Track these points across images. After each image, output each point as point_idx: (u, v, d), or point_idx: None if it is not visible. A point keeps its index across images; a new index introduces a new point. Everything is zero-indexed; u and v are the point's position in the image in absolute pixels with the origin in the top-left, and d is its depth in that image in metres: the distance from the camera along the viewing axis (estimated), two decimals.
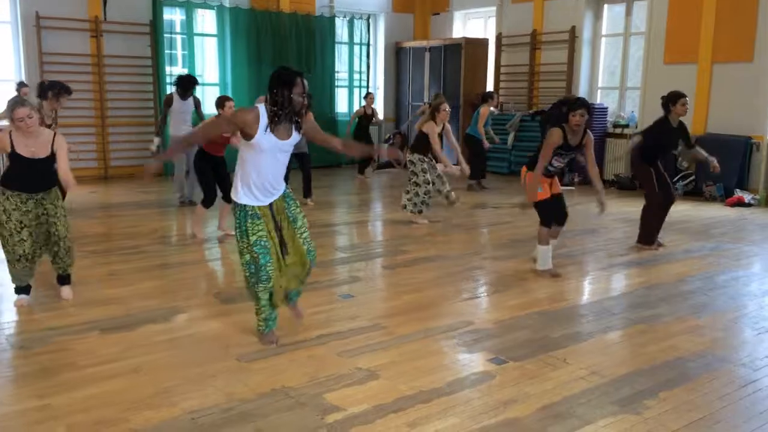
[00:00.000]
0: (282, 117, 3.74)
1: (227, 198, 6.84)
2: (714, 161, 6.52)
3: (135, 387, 3.43)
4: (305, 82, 3.79)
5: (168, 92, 8.87)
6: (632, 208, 8.86)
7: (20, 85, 9.25)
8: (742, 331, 4.41)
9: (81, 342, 4.02)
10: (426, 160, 7.64)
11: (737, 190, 9.41)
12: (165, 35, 11.34)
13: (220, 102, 6.55)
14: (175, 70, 11.46)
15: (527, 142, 11.51)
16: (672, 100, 6.41)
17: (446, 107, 7.59)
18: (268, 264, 3.86)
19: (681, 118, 6.46)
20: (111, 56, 11.00)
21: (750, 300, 5.08)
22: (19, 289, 4.69)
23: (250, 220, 3.84)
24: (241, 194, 3.87)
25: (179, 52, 11.87)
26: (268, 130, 3.73)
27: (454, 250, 6.57)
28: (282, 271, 3.99)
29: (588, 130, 5.49)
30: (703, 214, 8.51)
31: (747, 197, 9.20)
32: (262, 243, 3.84)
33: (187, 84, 8.62)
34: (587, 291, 5.32)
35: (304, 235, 4.03)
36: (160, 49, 11.22)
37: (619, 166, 11.01)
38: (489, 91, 10.95)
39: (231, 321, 4.45)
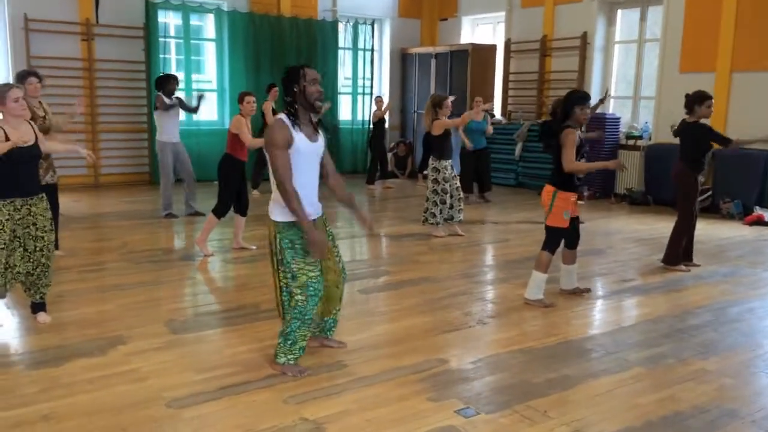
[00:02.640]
0: (302, 112, 3.60)
1: (244, 210, 6.44)
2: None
3: None
4: (315, 71, 3.62)
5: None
6: (644, 225, 8.30)
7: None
8: (756, 378, 3.84)
9: None
10: (449, 168, 7.20)
11: (757, 207, 8.77)
12: (159, 39, 10.97)
13: (240, 98, 6.35)
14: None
15: (536, 153, 10.96)
16: (698, 100, 6.07)
17: (448, 102, 7.19)
18: (321, 282, 3.62)
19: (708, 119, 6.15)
20: (103, 60, 10.66)
21: (765, 338, 4.49)
22: None
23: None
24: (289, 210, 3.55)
25: (173, 56, 11.47)
26: (298, 129, 3.56)
27: (442, 271, 6.05)
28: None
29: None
30: (718, 233, 7.90)
31: (767, 215, 8.56)
32: (316, 262, 3.60)
33: (158, 84, 8.23)
34: (583, 324, 4.74)
35: (339, 254, 3.91)
36: (154, 54, 10.84)
37: (631, 180, 10.41)
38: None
39: (177, 354, 3.99)
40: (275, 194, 3.61)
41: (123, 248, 6.61)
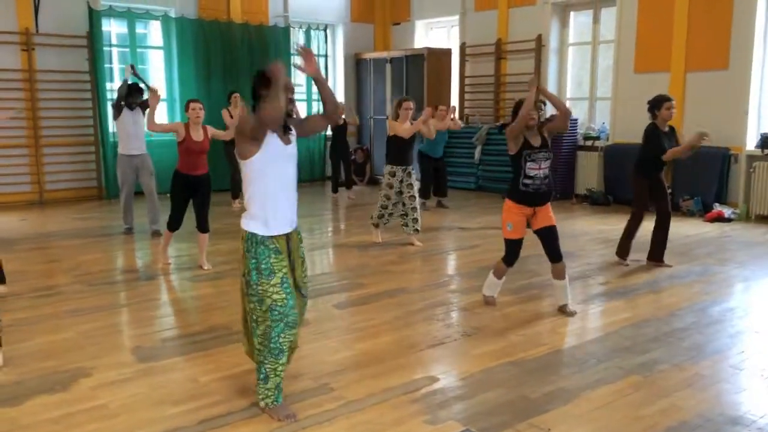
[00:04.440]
0: None
1: (204, 227, 6.12)
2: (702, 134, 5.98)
3: None
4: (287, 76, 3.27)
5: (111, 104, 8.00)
6: (608, 226, 8.31)
7: None
8: (751, 381, 3.77)
9: None
10: (399, 173, 7.04)
11: (716, 204, 8.91)
12: (104, 48, 10.50)
13: (186, 105, 6.16)
14: (116, 86, 10.60)
15: (495, 156, 10.93)
16: (657, 105, 6.11)
17: (409, 105, 7.09)
18: (294, 307, 3.24)
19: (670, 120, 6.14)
20: (45, 71, 10.13)
21: (750, 338, 4.46)
22: None
23: (274, 256, 3.20)
24: (260, 223, 3.24)
25: (116, 65, 10.96)
26: (273, 133, 3.24)
27: (417, 281, 5.88)
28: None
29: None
30: (682, 231, 7.95)
31: (727, 212, 8.70)
32: (288, 281, 3.25)
33: (125, 95, 7.76)
34: (568, 332, 4.62)
35: (305, 276, 3.53)
36: (98, 63, 10.37)
37: (591, 181, 10.46)
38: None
39: (148, 385, 3.69)
40: (246, 206, 3.33)
41: (76, 270, 6.21)
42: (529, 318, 4.84)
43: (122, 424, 3.23)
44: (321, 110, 3.51)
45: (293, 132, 3.42)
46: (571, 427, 3.21)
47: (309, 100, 12.96)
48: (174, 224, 6.21)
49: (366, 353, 4.17)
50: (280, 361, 3.26)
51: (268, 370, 3.26)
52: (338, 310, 5.08)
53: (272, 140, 3.25)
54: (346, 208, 10.25)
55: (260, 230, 3.25)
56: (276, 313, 3.20)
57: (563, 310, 4.93)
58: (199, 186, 6.14)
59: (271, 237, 3.25)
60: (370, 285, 5.71)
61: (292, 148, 3.37)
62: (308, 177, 12.81)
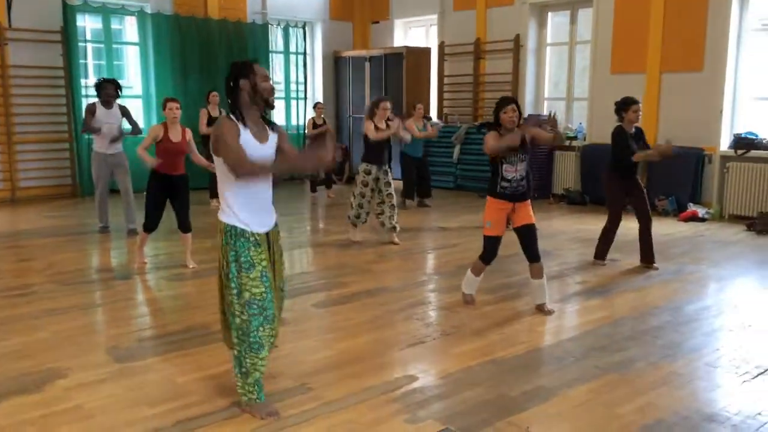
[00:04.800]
0: (251, 111, 3.23)
1: (187, 227, 6.04)
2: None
3: None
4: (263, 68, 3.24)
5: (90, 101, 7.82)
6: (585, 225, 8.39)
7: None
8: (725, 379, 3.82)
9: None
10: (374, 172, 7.04)
11: (690, 204, 9.03)
12: (79, 44, 10.35)
13: (163, 104, 6.09)
14: (91, 82, 10.46)
15: (474, 155, 10.97)
16: (624, 107, 6.11)
17: (386, 105, 7.09)
18: (273, 301, 3.21)
19: (637, 123, 6.17)
20: (18, 66, 9.97)
21: (725, 336, 4.53)
22: None
23: (254, 249, 3.16)
24: (241, 216, 3.19)
25: (90, 61, 10.81)
26: (247, 130, 3.19)
27: (397, 280, 5.88)
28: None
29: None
30: (657, 230, 7.92)
31: (701, 211, 8.82)
32: (267, 275, 3.21)
33: (98, 89, 7.62)
34: (546, 331, 4.66)
35: (283, 272, 3.50)
36: (73, 59, 10.22)
37: (568, 180, 10.55)
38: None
39: (125, 386, 3.64)
40: (222, 201, 3.28)
41: (51, 269, 6.12)
42: (508, 317, 4.87)
43: (98, 425, 3.19)
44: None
45: (274, 131, 3.36)
46: (550, 425, 3.23)
47: (287, 99, 12.87)
48: (151, 225, 6.11)
49: (345, 353, 4.16)
50: (260, 356, 3.22)
51: (248, 365, 3.22)
52: (317, 309, 5.06)
53: (247, 138, 3.19)
54: (325, 207, 10.22)
55: (241, 224, 3.20)
56: (255, 306, 3.17)
57: (541, 309, 4.96)
58: (177, 187, 6.04)
59: (253, 231, 3.22)
60: (349, 284, 5.70)
61: (269, 148, 3.30)
62: (287, 176, 12.75)
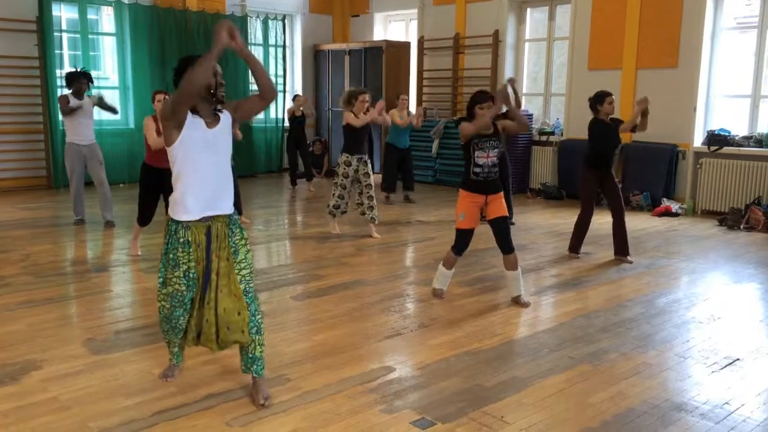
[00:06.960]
0: (202, 104, 3.18)
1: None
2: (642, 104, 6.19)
3: None
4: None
5: (60, 93, 7.68)
6: (561, 220, 8.48)
7: None
8: (695, 369, 3.91)
9: None
10: (354, 163, 7.07)
11: (664, 199, 9.18)
12: (55, 34, 10.21)
13: (152, 97, 6.09)
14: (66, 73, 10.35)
15: (452, 149, 11.02)
16: (599, 100, 6.27)
17: (365, 98, 7.16)
18: (187, 299, 3.29)
19: (612, 114, 6.32)
20: None
21: (695, 327, 4.63)
22: None
23: (181, 249, 3.20)
24: (179, 209, 3.23)
25: (65, 51, 10.67)
26: (196, 115, 3.17)
27: (374, 273, 5.91)
28: (204, 315, 3.32)
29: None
30: (631, 225, 8.09)
31: (674, 206, 8.97)
32: (192, 275, 3.26)
33: (70, 80, 7.54)
34: (521, 323, 4.73)
35: (244, 272, 3.29)
36: (48, 49, 10.09)
37: (545, 175, 10.65)
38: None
39: (101, 377, 3.63)
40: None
41: (25, 260, 6.06)
42: (484, 309, 4.93)
43: (74, 416, 3.19)
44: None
45: (224, 115, 3.27)
46: (524, 414, 3.29)
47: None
48: (144, 219, 6.13)
49: (323, 344, 4.19)
50: (180, 338, 3.49)
51: (167, 337, 3.52)
52: (295, 301, 5.08)
53: (195, 123, 3.15)
54: (304, 200, 10.22)
55: (178, 215, 3.21)
56: (176, 300, 3.29)
57: (516, 301, 5.03)
58: (169, 178, 5.99)
59: (185, 228, 3.19)
60: (327, 277, 5.72)
61: (219, 133, 3.22)
62: (266, 169, 12.74)
